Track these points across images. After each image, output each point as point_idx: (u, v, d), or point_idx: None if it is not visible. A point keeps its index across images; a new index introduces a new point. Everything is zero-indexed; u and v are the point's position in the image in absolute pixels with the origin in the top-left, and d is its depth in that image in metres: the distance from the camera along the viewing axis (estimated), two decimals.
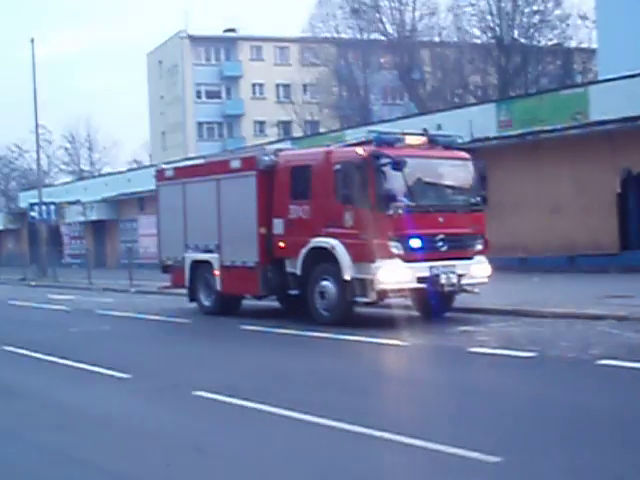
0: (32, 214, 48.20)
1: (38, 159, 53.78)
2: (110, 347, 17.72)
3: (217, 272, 21.86)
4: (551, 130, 31.28)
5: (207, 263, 22.22)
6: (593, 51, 60.91)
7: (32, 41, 48.80)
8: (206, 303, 22.57)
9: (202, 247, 22.52)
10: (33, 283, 44.23)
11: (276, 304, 22.63)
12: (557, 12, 59.03)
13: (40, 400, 12.01)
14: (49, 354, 15.96)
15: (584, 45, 60.47)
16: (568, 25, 59.53)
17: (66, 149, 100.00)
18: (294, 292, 20.03)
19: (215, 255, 21.95)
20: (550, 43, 59.36)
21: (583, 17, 58.39)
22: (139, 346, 18.07)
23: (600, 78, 40.49)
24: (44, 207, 47.71)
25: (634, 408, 10.06)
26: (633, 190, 30.18)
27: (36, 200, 49.21)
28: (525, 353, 13.75)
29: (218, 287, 21.91)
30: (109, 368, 13.89)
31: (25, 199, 67.52)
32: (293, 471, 8.09)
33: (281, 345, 17.13)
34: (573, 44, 60.85)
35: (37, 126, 50.91)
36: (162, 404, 11.44)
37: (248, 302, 23.08)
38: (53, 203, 49.26)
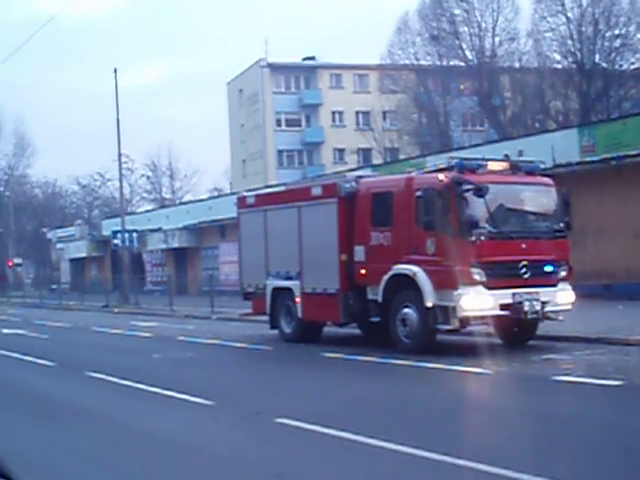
0: (115, 242, 48.86)
1: (121, 187, 54.58)
2: (193, 374, 17.78)
3: (298, 299, 21.88)
4: (635, 154, 30.83)
5: (288, 290, 22.24)
6: None
7: (115, 71, 49.68)
8: (287, 330, 22.59)
9: (283, 274, 22.56)
10: (116, 310, 44.75)
11: (357, 331, 22.58)
12: (639, 35, 58.33)
13: (124, 426, 12.09)
14: (132, 380, 16.09)
15: None
16: None
17: (148, 177, 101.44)
18: (375, 319, 19.93)
19: (296, 282, 21.97)
20: (632, 67, 58.56)
21: None
22: (221, 373, 18.13)
23: None
24: (127, 235, 48.34)
25: None
26: None
27: (119, 228, 49.90)
28: (611, 382, 13.52)
29: (299, 314, 21.92)
30: (192, 395, 13.94)
31: (108, 227, 68.48)
32: None
33: (363, 372, 17.06)
34: None
35: (120, 155, 51.69)
36: (245, 431, 11.45)
37: (329, 329, 23.06)
38: (135, 231, 49.91)
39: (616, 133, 32.67)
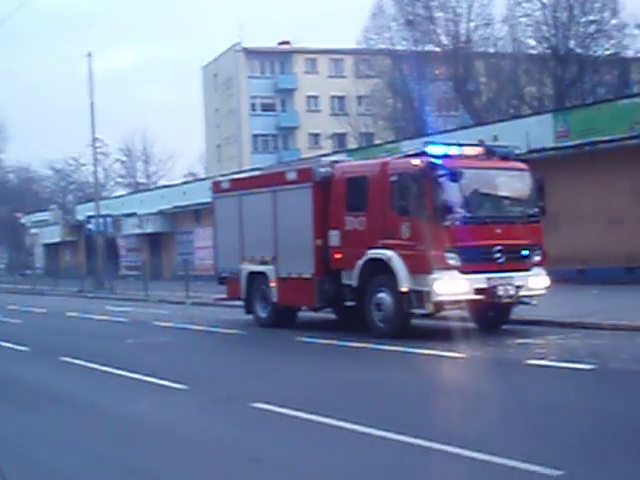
0: (89, 226, 48.80)
1: (95, 172, 54.31)
2: (167, 358, 17.79)
3: (273, 284, 21.87)
4: (609, 140, 30.92)
5: (263, 275, 22.23)
6: None
7: (89, 55, 49.45)
8: (262, 315, 22.57)
9: (258, 259, 22.54)
10: (90, 295, 44.62)
11: (332, 316, 22.60)
12: (614, 22, 58.29)
13: (98, 411, 12.06)
14: (106, 365, 16.04)
15: None
16: (625, 35, 58.93)
17: (122, 162, 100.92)
18: (350, 304, 19.97)
19: (271, 267, 21.96)
20: (607, 53, 58.69)
21: None
22: (195, 357, 18.10)
23: None
24: (101, 220, 48.26)
25: None
26: None
27: (93, 213, 49.78)
28: (584, 366, 13.58)
29: (274, 299, 21.91)
30: (166, 379, 13.93)
31: (82, 212, 68.23)
32: None
33: (337, 357, 17.08)
34: (630, 54, 60.19)
35: (94, 139, 51.51)
36: (219, 415, 11.46)
37: (304, 314, 23.07)
38: (110, 215, 49.82)
39: (590, 119, 32.73)
